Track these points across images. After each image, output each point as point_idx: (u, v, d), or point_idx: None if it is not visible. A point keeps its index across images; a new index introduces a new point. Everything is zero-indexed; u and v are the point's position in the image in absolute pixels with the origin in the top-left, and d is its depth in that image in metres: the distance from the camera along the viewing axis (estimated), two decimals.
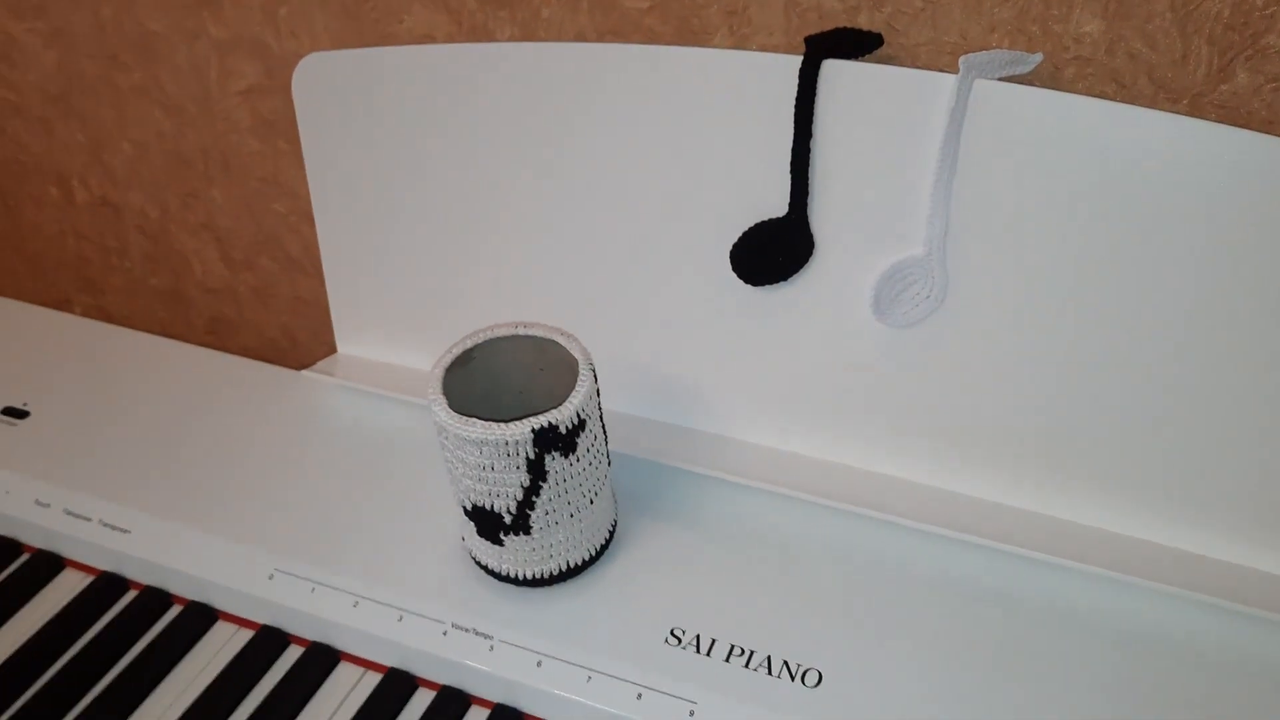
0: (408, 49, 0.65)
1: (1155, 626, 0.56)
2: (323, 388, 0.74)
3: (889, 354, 0.61)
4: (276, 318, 0.89)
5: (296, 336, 0.89)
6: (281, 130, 0.78)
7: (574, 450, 0.54)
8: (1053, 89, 0.54)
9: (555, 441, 0.53)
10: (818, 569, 0.59)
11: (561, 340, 0.57)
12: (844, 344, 0.61)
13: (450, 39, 0.69)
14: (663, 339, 0.66)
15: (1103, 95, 0.56)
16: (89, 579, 0.65)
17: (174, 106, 0.81)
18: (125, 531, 0.64)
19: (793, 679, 0.54)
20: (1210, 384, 0.55)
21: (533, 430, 0.52)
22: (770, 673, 0.54)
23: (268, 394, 0.73)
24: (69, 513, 0.66)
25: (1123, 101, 0.53)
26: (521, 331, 0.58)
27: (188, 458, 0.69)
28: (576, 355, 0.56)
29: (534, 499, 0.54)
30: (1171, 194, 0.52)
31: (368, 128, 0.68)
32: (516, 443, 0.52)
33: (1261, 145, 0.50)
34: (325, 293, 0.83)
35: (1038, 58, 0.55)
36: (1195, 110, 0.55)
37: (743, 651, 0.55)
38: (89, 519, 0.65)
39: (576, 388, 0.54)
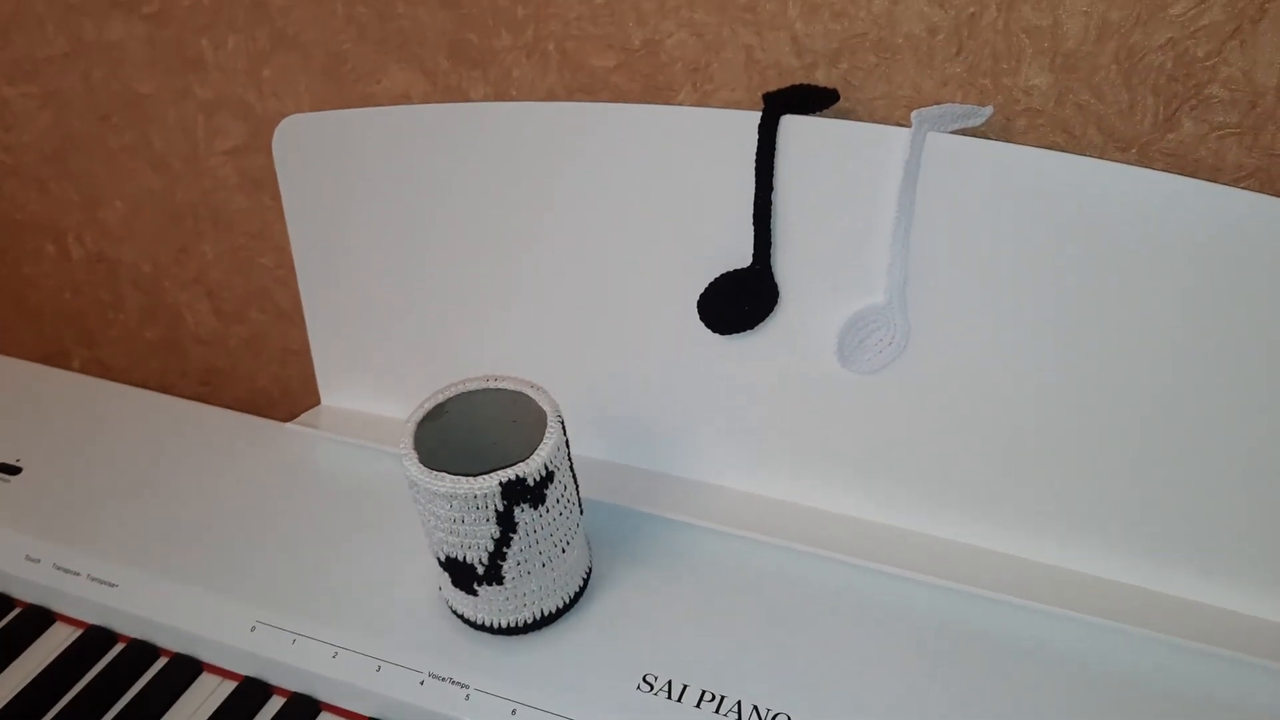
0: (383, 110, 0.66)
1: (1134, 670, 0.56)
2: (306, 439, 0.75)
3: (855, 400, 0.62)
4: (267, 368, 0.91)
5: (288, 386, 0.91)
6: (267, 187, 0.80)
7: (543, 501, 0.55)
8: (1005, 140, 0.56)
9: (524, 494, 0.54)
10: (788, 613, 0.60)
11: (531, 393, 0.58)
12: (811, 390, 0.63)
13: (426, 98, 0.71)
14: (636, 388, 0.67)
15: (1054, 145, 0.57)
16: (78, 632, 0.66)
17: (163, 165, 0.83)
18: (113, 586, 0.66)
19: None
20: (1168, 424, 0.56)
21: (500, 484, 0.53)
22: (740, 718, 0.55)
23: (253, 447, 0.75)
24: (58, 568, 0.67)
25: (1073, 151, 0.54)
26: (492, 385, 0.59)
27: (175, 512, 0.70)
28: (545, 407, 0.57)
29: (505, 550, 0.56)
30: (1123, 241, 0.53)
31: (347, 186, 0.70)
32: (485, 496, 0.53)
33: (1208, 193, 0.51)
34: None
35: (988, 111, 0.56)
36: (1144, 159, 0.56)
37: (714, 697, 0.56)
38: (78, 574, 0.67)
39: (544, 440, 0.55)
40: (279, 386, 0.91)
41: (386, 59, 0.70)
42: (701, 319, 0.63)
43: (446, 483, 0.53)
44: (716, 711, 0.55)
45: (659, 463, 0.69)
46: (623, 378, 0.67)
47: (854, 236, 0.58)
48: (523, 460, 0.55)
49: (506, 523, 0.55)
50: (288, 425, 0.76)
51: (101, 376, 0.87)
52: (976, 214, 0.55)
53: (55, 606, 0.68)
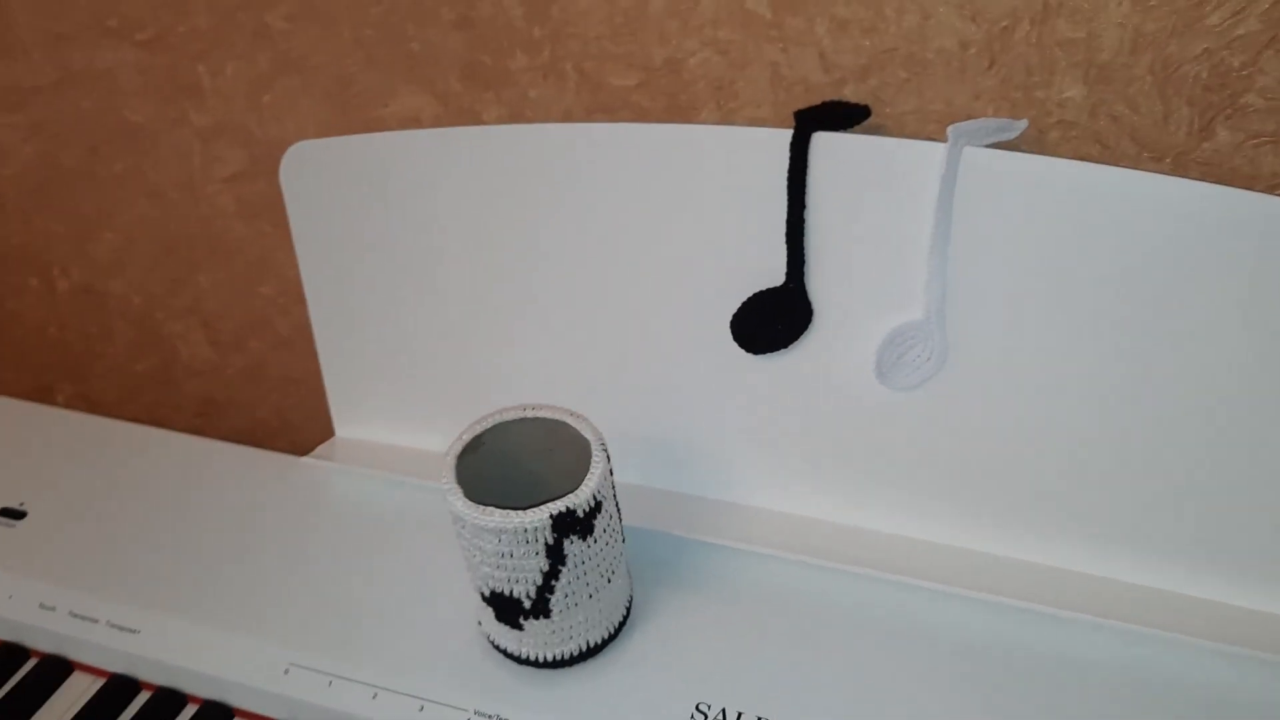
0: (394, 135, 0.65)
1: (1178, 677, 0.56)
2: (325, 473, 0.73)
3: (894, 417, 0.62)
4: (268, 398, 0.89)
5: (289, 416, 0.89)
6: (267, 214, 0.78)
7: (591, 532, 0.54)
8: (1038, 152, 0.56)
9: (573, 525, 0.53)
10: (839, 635, 0.59)
11: (571, 421, 0.57)
12: (847, 408, 0.62)
13: (437, 121, 0.70)
14: (667, 411, 0.66)
15: (1088, 157, 0.57)
16: (100, 682, 0.64)
17: (157, 194, 0.81)
18: (134, 632, 0.64)
19: None
20: (1214, 435, 0.56)
21: (551, 516, 0.52)
22: None
23: (269, 482, 0.73)
24: (75, 615, 0.65)
25: (1107, 162, 0.54)
26: (530, 414, 0.58)
27: (193, 552, 0.68)
28: (588, 436, 0.56)
29: (553, 583, 0.55)
30: (1159, 251, 0.53)
31: (358, 213, 0.68)
32: (535, 529, 0.52)
33: (1244, 201, 0.51)
34: (316, 371, 0.83)
35: (1023, 124, 0.56)
36: (1179, 169, 0.56)
37: None
38: (96, 620, 0.65)
39: (591, 470, 0.54)
40: (279, 417, 0.89)
41: (395, 81, 0.69)
42: (735, 339, 0.62)
43: (495, 517, 0.52)
44: None
45: (693, 486, 0.68)
46: (653, 401, 0.66)
47: (890, 253, 0.58)
48: (567, 491, 0.54)
49: (556, 556, 0.54)
50: (304, 459, 0.74)
51: (88, 411, 0.84)
52: (1012, 227, 0.55)
53: (74, 655, 0.65)
